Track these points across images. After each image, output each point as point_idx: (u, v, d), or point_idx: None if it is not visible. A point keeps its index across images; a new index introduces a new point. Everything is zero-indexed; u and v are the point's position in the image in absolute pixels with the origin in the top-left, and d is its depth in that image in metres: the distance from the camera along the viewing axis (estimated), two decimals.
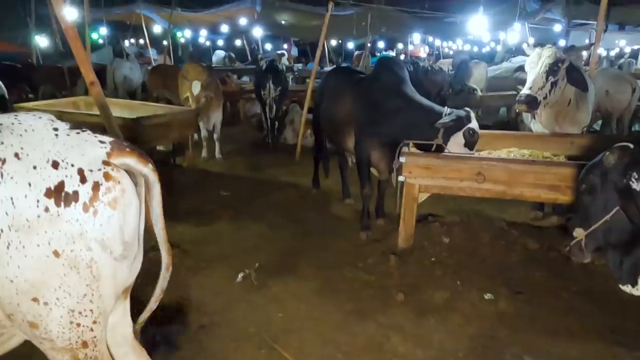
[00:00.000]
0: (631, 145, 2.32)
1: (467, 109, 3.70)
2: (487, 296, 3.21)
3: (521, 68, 3.99)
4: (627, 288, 2.39)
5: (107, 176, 1.56)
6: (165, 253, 1.99)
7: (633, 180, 2.20)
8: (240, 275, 3.52)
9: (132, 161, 1.64)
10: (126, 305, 1.90)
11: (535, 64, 3.71)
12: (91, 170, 1.55)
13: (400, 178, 3.68)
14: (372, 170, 4.24)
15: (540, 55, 3.71)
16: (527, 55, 3.92)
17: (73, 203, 1.51)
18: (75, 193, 1.52)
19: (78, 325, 1.60)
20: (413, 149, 3.85)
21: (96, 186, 1.54)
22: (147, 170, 1.69)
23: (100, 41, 17.64)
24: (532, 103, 3.65)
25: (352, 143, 4.22)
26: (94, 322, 1.63)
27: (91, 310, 1.60)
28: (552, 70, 3.65)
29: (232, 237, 4.24)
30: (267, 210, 4.86)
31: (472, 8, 10.84)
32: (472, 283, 3.34)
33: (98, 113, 3.66)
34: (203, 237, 4.19)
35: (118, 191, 1.59)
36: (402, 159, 3.60)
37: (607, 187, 2.32)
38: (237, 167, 6.56)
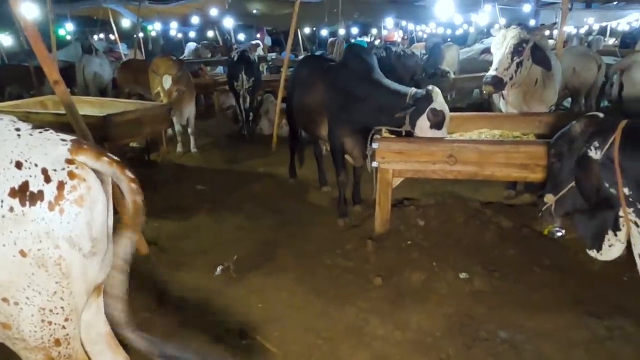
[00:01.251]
0: (600, 115, 2.37)
1: (429, 87, 3.61)
2: (463, 275, 3.27)
3: (486, 50, 4.03)
4: (593, 253, 2.47)
5: (71, 175, 1.57)
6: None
7: (592, 148, 2.27)
8: (219, 269, 3.53)
9: (89, 158, 1.63)
10: (99, 302, 1.90)
11: (500, 45, 3.74)
12: (55, 170, 1.56)
13: (374, 164, 3.71)
14: (347, 157, 4.26)
15: (505, 36, 3.74)
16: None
17: (38, 202, 1.52)
18: (40, 192, 1.52)
19: (50, 323, 1.60)
20: (386, 134, 3.87)
21: (61, 185, 1.55)
22: (101, 164, 1.65)
23: (68, 37, 17.19)
24: (497, 84, 3.69)
25: (326, 131, 4.23)
26: (66, 320, 1.63)
27: (62, 308, 1.61)
28: (516, 50, 3.69)
29: (210, 231, 4.23)
30: (245, 201, 4.85)
31: None
32: (448, 263, 3.40)
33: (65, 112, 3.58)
34: (181, 233, 4.17)
35: (84, 189, 1.60)
36: (375, 145, 3.63)
37: (573, 154, 2.39)
38: (213, 160, 6.51)
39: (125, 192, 1.72)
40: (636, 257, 2.33)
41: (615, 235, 2.34)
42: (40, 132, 1.64)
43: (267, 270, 3.52)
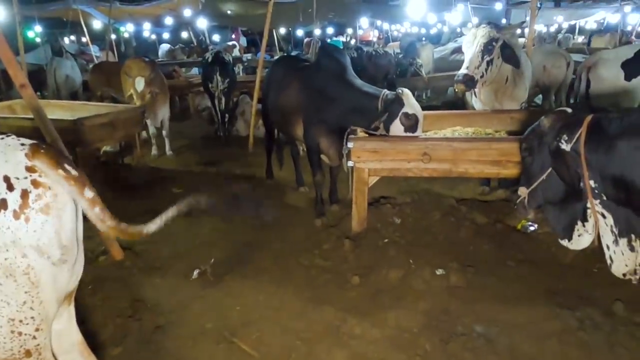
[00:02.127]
0: (569, 110, 2.45)
1: (399, 90, 3.64)
2: (439, 272, 3.31)
3: (457, 50, 4.09)
4: (565, 242, 2.58)
5: (35, 183, 1.54)
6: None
7: (563, 141, 2.33)
8: (196, 272, 3.49)
9: (44, 165, 1.57)
10: (71, 310, 1.87)
11: (471, 44, 3.80)
12: (17, 178, 1.52)
13: (350, 163, 3.73)
14: (323, 157, 4.27)
15: (475, 35, 3.80)
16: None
17: (2, 211, 1.48)
18: (4, 201, 1.49)
19: (20, 334, 1.57)
20: (362, 134, 3.89)
21: (25, 193, 1.51)
22: (57, 177, 1.58)
23: (37, 40, 16.77)
24: (469, 82, 3.76)
25: (301, 132, 4.23)
26: (37, 330, 1.60)
27: (32, 318, 1.58)
28: (486, 49, 3.76)
29: (186, 234, 4.17)
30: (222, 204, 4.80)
31: None
32: (425, 260, 3.43)
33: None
34: (156, 237, 3.97)
35: (49, 196, 1.56)
36: (350, 145, 3.65)
37: (543, 148, 2.46)
38: (189, 162, 6.43)
39: (87, 215, 1.66)
40: (604, 247, 2.40)
41: (584, 225, 2.43)
42: (2, 139, 1.60)
43: (244, 272, 3.50)
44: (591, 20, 17.03)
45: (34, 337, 1.60)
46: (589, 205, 2.35)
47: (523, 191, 2.67)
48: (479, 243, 3.69)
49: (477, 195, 4.69)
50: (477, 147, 3.52)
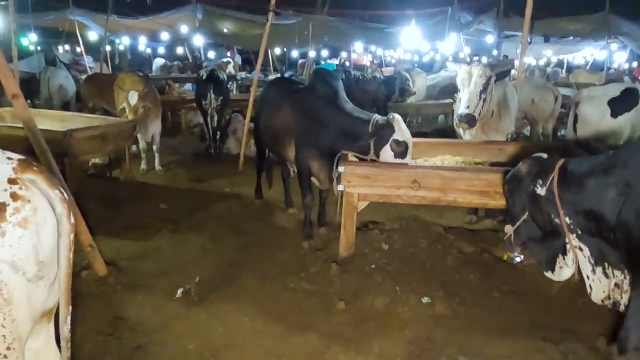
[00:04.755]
0: (544, 156, 2.70)
1: (390, 116, 3.67)
2: (425, 300, 3.30)
3: (444, 90, 4.22)
4: (549, 274, 2.79)
5: (14, 196, 1.49)
6: (63, 303, 1.69)
7: (538, 185, 2.59)
8: (180, 291, 3.44)
9: (38, 181, 1.57)
10: (50, 329, 1.80)
11: (467, 82, 3.90)
12: None
13: (340, 187, 3.74)
14: (313, 179, 4.28)
15: (470, 73, 3.90)
16: (451, 67, 4.12)
17: None
18: None
19: None
20: (353, 158, 3.92)
21: (2, 207, 1.47)
22: (53, 195, 1.59)
23: (31, 47, 16.73)
24: (471, 121, 3.86)
25: (293, 153, 4.24)
26: (8, 349, 1.54)
27: (4, 336, 1.52)
28: (484, 88, 3.87)
29: (172, 252, 4.13)
30: (209, 222, 4.77)
31: (407, 20, 11.24)
32: (411, 288, 3.43)
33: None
34: (141, 253, 4.06)
35: (28, 210, 1.52)
36: (341, 169, 3.66)
37: (522, 192, 2.70)
38: (178, 178, 6.40)
39: (61, 235, 1.64)
40: (584, 277, 2.58)
41: (564, 259, 2.64)
42: None
43: (229, 293, 3.46)
44: (579, 55, 17.52)
45: (5, 356, 1.54)
46: (567, 240, 2.56)
47: (509, 229, 2.88)
48: (465, 272, 3.70)
49: (465, 224, 4.72)
50: (466, 177, 3.55)
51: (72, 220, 1.62)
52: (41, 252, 1.55)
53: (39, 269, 1.55)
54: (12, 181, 1.51)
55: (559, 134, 8.37)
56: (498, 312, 3.25)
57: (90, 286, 3.40)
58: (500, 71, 4.05)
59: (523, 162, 2.72)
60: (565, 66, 17.94)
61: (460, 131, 4.54)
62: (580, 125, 4.96)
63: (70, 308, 1.70)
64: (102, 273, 3.54)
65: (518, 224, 2.78)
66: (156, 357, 2.75)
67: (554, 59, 18.56)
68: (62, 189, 1.61)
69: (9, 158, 1.56)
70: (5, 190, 1.49)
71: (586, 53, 16.71)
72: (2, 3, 8.45)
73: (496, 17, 11.26)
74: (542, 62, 17.97)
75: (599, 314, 2.99)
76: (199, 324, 3.08)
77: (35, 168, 1.58)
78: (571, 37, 14.08)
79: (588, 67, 16.19)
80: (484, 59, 17.12)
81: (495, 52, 14.55)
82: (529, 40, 6.48)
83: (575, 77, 13.25)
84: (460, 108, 3.92)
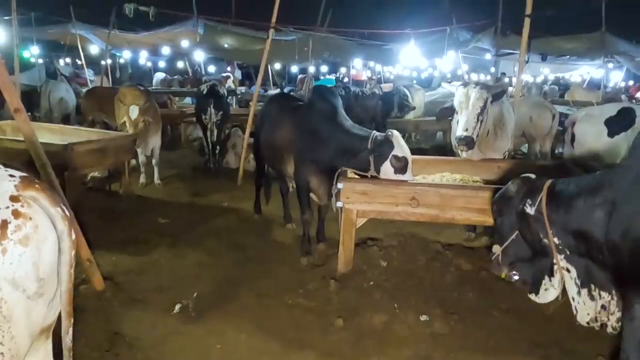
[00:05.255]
0: (532, 176, 2.73)
1: (389, 133, 3.71)
2: (423, 318, 3.30)
3: (443, 113, 4.28)
4: (533, 296, 2.79)
5: (16, 213, 1.50)
6: (65, 316, 1.73)
7: (527, 205, 2.61)
8: (178, 307, 3.43)
9: (40, 199, 1.58)
10: (48, 346, 1.80)
11: (465, 104, 3.91)
12: None
13: (339, 204, 3.75)
14: (312, 195, 4.29)
15: (467, 95, 3.91)
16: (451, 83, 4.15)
17: None
18: None
19: None
20: (352, 175, 3.94)
21: (4, 224, 1.48)
22: (55, 212, 1.60)
23: (32, 60, 16.85)
24: (470, 143, 3.87)
25: (292, 169, 4.26)
26: None
27: (2, 354, 1.52)
28: (482, 110, 3.91)
29: (169, 267, 4.12)
30: (207, 237, 4.77)
31: (406, 38, 11.36)
32: (409, 305, 3.42)
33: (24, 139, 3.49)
34: (139, 268, 4.04)
35: (30, 228, 1.53)
36: (340, 185, 3.68)
37: (511, 212, 2.72)
38: (176, 192, 6.40)
39: (62, 252, 1.64)
40: (570, 299, 2.61)
41: (550, 280, 2.65)
42: None
43: (227, 309, 3.45)
44: (575, 74, 17.69)
45: None
46: (555, 261, 2.58)
47: (497, 249, 2.89)
48: (464, 290, 3.69)
49: (463, 241, 4.72)
50: (464, 194, 3.57)
51: (73, 237, 1.63)
52: (41, 269, 1.55)
53: (39, 286, 1.55)
54: (14, 199, 1.52)
55: (556, 151, 8.42)
56: (497, 330, 3.24)
57: (88, 300, 3.39)
58: (496, 92, 4.07)
59: (512, 182, 2.75)
60: (561, 84, 18.11)
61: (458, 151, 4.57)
62: (578, 144, 5.00)
63: (72, 320, 1.71)
64: (99, 287, 3.52)
65: (506, 243, 2.80)
66: None
67: (551, 77, 18.73)
68: (63, 206, 1.62)
69: (11, 175, 1.57)
70: (7, 207, 1.50)
71: (583, 71, 16.89)
72: (6, 18, 8.53)
73: (494, 36, 11.37)
74: (539, 80, 18.13)
75: (598, 333, 2.95)
76: (196, 341, 3.07)
77: (37, 185, 1.59)
78: (568, 56, 14.22)
79: (585, 85, 16.35)
80: (482, 77, 17.33)
81: (492, 69, 14.67)
82: (526, 59, 6.53)
83: (572, 94, 13.36)
84: (459, 130, 3.93)
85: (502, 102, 4.33)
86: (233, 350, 2.98)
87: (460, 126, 3.92)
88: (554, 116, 7.20)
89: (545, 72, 17.82)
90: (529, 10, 5.29)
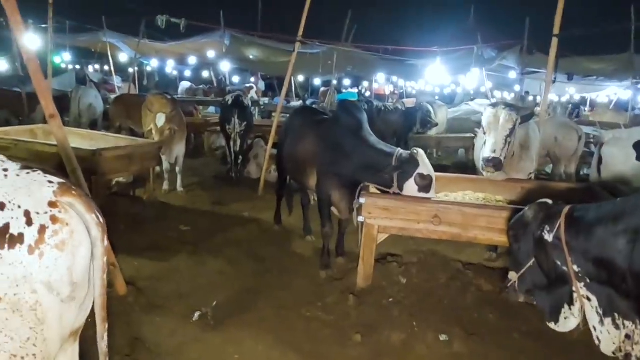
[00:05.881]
0: (549, 202, 2.65)
1: (414, 151, 3.73)
2: (442, 337, 3.26)
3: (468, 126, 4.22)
4: (552, 325, 2.69)
5: (54, 219, 1.55)
6: (100, 321, 1.78)
7: (545, 232, 2.53)
8: (197, 314, 3.46)
9: (77, 205, 1.62)
10: (75, 348, 1.84)
11: (494, 125, 3.87)
12: (38, 213, 1.54)
13: (360, 218, 3.76)
14: (333, 209, 4.30)
15: (496, 116, 3.87)
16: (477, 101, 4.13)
17: (18, 245, 1.49)
18: (21, 235, 1.50)
19: None
20: (374, 190, 3.94)
21: (42, 229, 1.53)
22: (90, 219, 1.65)
23: (63, 66, 17.35)
24: (498, 165, 3.82)
25: (314, 182, 4.29)
26: None
27: (34, 355, 1.56)
28: (510, 132, 3.87)
29: (190, 274, 4.17)
30: (228, 246, 4.81)
31: (432, 55, 11.37)
32: (428, 324, 3.39)
33: (56, 143, 3.59)
34: (160, 274, 4.10)
35: (66, 233, 1.58)
36: (362, 200, 3.69)
37: (528, 238, 2.64)
38: (198, 200, 6.49)
39: (95, 257, 1.69)
40: (591, 329, 2.49)
41: (570, 309, 2.55)
42: (28, 173, 1.62)
43: (245, 319, 3.46)
44: (602, 94, 17.40)
45: None
46: (574, 289, 2.48)
47: (513, 276, 2.81)
48: (485, 311, 3.64)
49: (484, 261, 4.66)
50: (488, 214, 3.54)
51: (106, 243, 1.67)
52: (75, 274, 1.59)
53: (72, 290, 1.59)
54: (52, 204, 1.57)
55: (581, 172, 8.28)
56: (517, 353, 3.19)
57: (111, 305, 3.39)
58: (525, 114, 4.02)
59: (529, 208, 2.68)
60: (587, 103, 17.83)
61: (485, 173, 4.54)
62: (605, 167, 4.91)
63: (107, 325, 1.74)
64: (122, 292, 3.58)
65: (523, 270, 2.73)
66: None
67: (577, 97, 18.45)
68: (97, 213, 1.67)
69: (50, 182, 1.62)
70: (46, 213, 1.55)
71: (610, 92, 16.60)
72: (43, 26, 8.83)
73: (519, 54, 11.29)
74: (564, 99, 17.88)
75: None
76: (214, 349, 3.09)
77: (74, 192, 1.63)
78: (595, 77, 14.01)
79: (612, 106, 16.06)
80: (506, 95, 17.17)
81: (517, 88, 14.53)
82: (553, 78, 6.47)
83: (599, 115, 13.14)
84: (486, 152, 3.87)
85: (528, 122, 4.28)
86: None
87: (488, 147, 3.87)
88: (580, 137, 7.09)
89: (571, 92, 17.57)
90: (557, 30, 5.25)
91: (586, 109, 17.03)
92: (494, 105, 4.01)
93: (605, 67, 11.89)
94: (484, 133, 3.99)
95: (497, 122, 3.87)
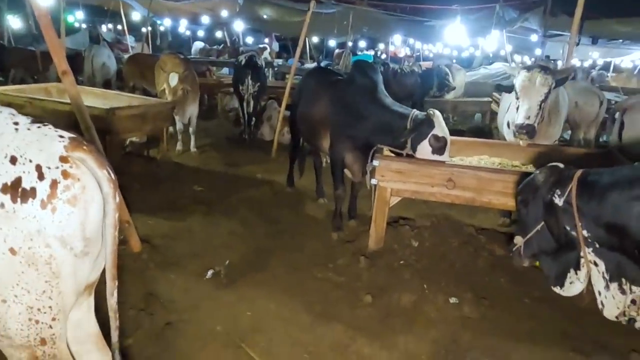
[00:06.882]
0: (561, 165, 2.60)
1: (430, 112, 3.63)
2: (452, 300, 3.28)
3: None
4: (557, 289, 2.70)
5: (65, 174, 1.54)
6: (110, 278, 1.76)
7: (556, 196, 2.50)
8: (210, 272, 3.52)
9: (88, 160, 1.61)
10: (90, 301, 1.89)
11: (528, 90, 3.67)
12: (49, 167, 1.53)
13: (373, 181, 3.73)
14: (346, 171, 4.28)
15: (531, 80, 3.67)
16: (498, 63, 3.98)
17: (30, 200, 1.49)
18: (33, 190, 1.50)
19: (37, 322, 1.59)
20: (387, 152, 3.89)
21: (54, 184, 1.52)
22: (101, 175, 1.63)
23: (76, 24, 17.20)
24: (531, 132, 3.64)
25: (327, 144, 4.24)
26: (53, 320, 1.62)
27: (50, 307, 1.59)
28: (545, 97, 3.68)
29: (203, 233, 4.22)
30: (241, 207, 4.84)
31: (451, 15, 11.00)
32: (439, 287, 3.40)
33: (70, 102, 3.59)
34: (174, 233, 4.15)
35: (78, 188, 1.57)
36: (375, 163, 3.65)
37: (537, 202, 2.62)
38: (212, 161, 6.50)
39: (106, 214, 1.67)
40: (596, 294, 2.51)
41: (576, 274, 2.56)
42: (39, 127, 1.60)
43: (257, 278, 3.51)
44: (627, 59, 16.80)
45: (50, 327, 1.62)
46: (582, 254, 2.48)
47: (519, 240, 2.80)
48: (496, 275, 3.64)
49: (497, 226, 4.63)
50: (503, 178, 3.48)
51: (118, 199, 1.67)
52: (88, 229, 1.60)
53: (85, 245, 1.60)
54: (63, 159, 1.55)
55: (600, 139, 8.08)
56: (527, 318, 3.19)
57: (125, 261, 3.50)
58: (560, 78, 3.80)
59: (540, 171, 2.62)
60: (611, 69, 17.25)
61: (505, 132, 4.42)
62: (627, 132, 4.75)
63: (117, 282, 1.76)
64: (137, 249, 3.65)
65: (530, 235, 2.70)
66: (185, 336, 2.82)
67: (600, 62, 17.85)
68: (109, 169, 1.66)
69: (60, 136, 1.60)
70: (57, 167, 1.54)
71: (636, 56, 16.01)
72: None
73: (542, 16, 10.88)
74: (587, 64, 17.32)
75: (632, 328, 2.89)
76: (227, 307, 3.15)
77: (85, 147, 1.62)
78: (621, 40, 13.49)
79: (636, 71, 15.53)
80: (526, 59, 16.66)
81: (538, 52, 14.09)
82: (576, 41, 6.23)
83: (622, 81, 12.71)
84: (520, 118, 3.67)
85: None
86: (262, 319, 3.04)
87: (522, 114, 3.66)
88: (601, 103, 6.87)
89: (594, 57, 16.98)
90: None
91: (609, 73, 16.47)
92: (528, 69, 3.79)
93: (632, 30, 11.42)
94: (517, 98, 3.77)
95: (532, 86, 3.66)
